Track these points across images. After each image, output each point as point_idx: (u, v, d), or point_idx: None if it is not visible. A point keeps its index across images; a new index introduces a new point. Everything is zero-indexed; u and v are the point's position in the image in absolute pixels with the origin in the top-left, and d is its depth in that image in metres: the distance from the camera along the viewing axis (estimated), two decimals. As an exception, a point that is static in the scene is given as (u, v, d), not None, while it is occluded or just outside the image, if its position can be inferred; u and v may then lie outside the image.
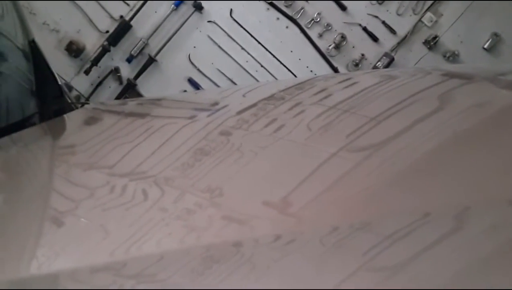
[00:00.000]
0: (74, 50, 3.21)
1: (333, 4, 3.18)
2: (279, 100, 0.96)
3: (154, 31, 3.25)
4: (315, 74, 3.18)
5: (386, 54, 3.24)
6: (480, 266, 0.53)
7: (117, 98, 3.32)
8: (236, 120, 0.91)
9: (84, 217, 0.75)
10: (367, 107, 0.87)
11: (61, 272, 0.65)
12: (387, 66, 3.22)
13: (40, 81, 1.18)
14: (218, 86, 3.32)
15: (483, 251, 0.55)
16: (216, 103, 1.03)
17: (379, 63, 3.23)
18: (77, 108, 1.24)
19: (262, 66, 3.25)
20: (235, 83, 3.27)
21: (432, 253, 0.55)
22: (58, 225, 0.76)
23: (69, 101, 1.25)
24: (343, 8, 3.18)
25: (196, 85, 3.30)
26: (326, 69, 3.24)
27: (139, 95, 3.29)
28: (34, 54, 1.21)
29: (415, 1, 3.20)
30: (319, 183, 0.72)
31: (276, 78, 3.26)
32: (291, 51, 3.26)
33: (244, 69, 3.27)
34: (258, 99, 0.99)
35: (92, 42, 3.27)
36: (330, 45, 3.25)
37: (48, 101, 1.21)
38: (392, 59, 3.23)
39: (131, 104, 1.25)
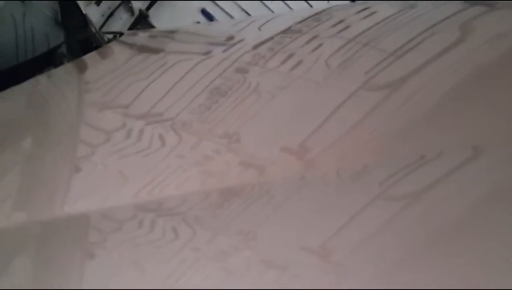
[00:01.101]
0: (83, -20, 3.12)
1: None
2: (296, 33, 0.93)
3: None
4: (331, 2, 3.07)
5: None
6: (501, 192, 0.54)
7: (129, 29, 3.27)
8: (252, 55, 0.89)
9: (101, 164, 0.76)
10: (386, 40, 0.84)
11: (89, 211, 0.67)
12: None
13: (65, 10, 1.17)
14: (232, 17, 3.23)
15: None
16: (231, 37, 1.01)
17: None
18: (103, 39, 1.21)
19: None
20: (249, 14, 3.18)
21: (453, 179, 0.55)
22: (76, 171, 0.76)
23: (94, 31, 1.24)
24: None
25: (209, 16, 3.22)
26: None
27: (151, 26, 3.23)
28: None
29: None
30: (337, 126, 0.70)
31: (291, 9, 3.16)
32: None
33: (262, 2, 3.17)
34: (274, 32, 0.96)
35: (101, -28, 3.17)
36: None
37: (73, 31, 1.20)
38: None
39: (143, 36, 1.22)
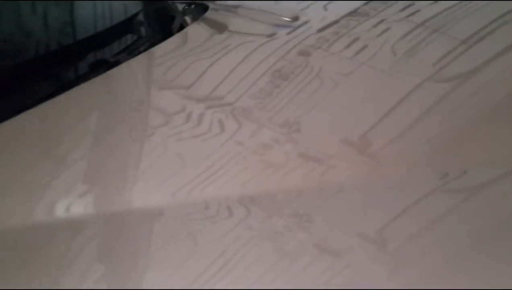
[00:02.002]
0: None
1: None
2: (363, 16, 0.91)
3: None
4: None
5: None
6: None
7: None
8: (316, 38, 0.87)
9: (160, 145, 0.77)
10: (457, 26, 0.81)
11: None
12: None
13: None
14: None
15: None
16: (296, 18, 0.99)
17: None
18: (177, 9, 1.23)
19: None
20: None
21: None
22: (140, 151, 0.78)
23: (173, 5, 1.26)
24: None
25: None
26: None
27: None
28: None
29: None
30: (401, 120, 0.69)
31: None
32: None
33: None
34: (341, 14, 0.94)
35: None
36: None
37: (153, 3, 1.23)
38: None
39: (209, 13, 1.22)
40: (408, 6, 0.89)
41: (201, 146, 0.74)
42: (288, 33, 0.93)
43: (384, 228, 0.55)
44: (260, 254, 0.57)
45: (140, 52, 0.99)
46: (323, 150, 0.67)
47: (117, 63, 0.95)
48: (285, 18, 0.99)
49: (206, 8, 1.20)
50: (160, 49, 1.01)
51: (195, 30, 1.07)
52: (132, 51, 1.02)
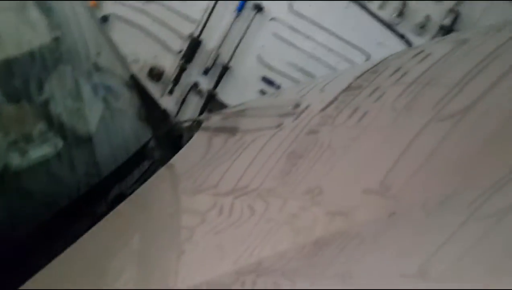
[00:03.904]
0: (155, 74, 3.39)
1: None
2: (357, 89, 0.98)
3: (223, 41, 3.35)
4: (385, 49, 3.10)
5: (451, 10, 3.10)
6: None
7: (201, 110, 3.46)
8: (320, 117, 0.94)
9: (200, 242, 0.82)
10: (446, 75, 0.87)
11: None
12: (453, 22, 3.08)
13: (147, 109, 1.28)
14: (291, 77, 3.35)
15: None
16: (297, 105, 1.07)
17: (445, 20, 3.10)
18: (184, 128, 1.31)
19: (330, 49, 3.24)
20: (307, 72, 3.29)
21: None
22: (181, 253, 0.82)
23: (175, 122, 1.35)
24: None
25: (270, 82, 3.36)
26: (393, 39, 3.16)
27: (221, 103, 3.41)
28: (137, 85, 1.32)
29: None
30: (414, 159, 0.73)
31: (346, 58, 3.24)
32: (355, 29, 3.21)
33: (314, 57, 3.28)
34: (337, 92, 1.01)
35: (169, 64, 3.42)
36: (393, 14, 3.17)
37: (158, 125, 1.31)
38: (458, 14, 3.09)
39: (217, 119, 1.31)
40: (396, 70, 0.96)
41: (236, 232, 0.78)
42: (294, 120, 1.00)
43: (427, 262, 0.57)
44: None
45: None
46: (348, 203, 0.72)
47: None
48: (287, 107, 1.07)
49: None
50: (181, 161, 1.08)
51: (204, 141, 1.14)
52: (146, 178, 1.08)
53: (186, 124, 1.36)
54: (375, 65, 1.03)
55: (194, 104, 3.49)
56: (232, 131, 1.13)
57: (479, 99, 0.77)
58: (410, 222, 0.65)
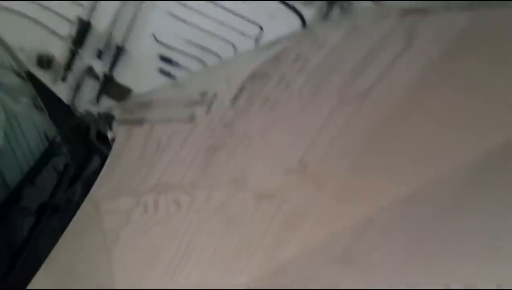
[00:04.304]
0: (45, 61, 3.22)
1: None
2: (263, 78, 1.04)
3: (114, 21, 3.25)
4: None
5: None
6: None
7: (98, 94, 3.35)
8: (234, 111, 0.99)
9: (129, 244, 0.84)
10: (343, 62, 0.96)
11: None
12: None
13: (49, 105, 1.24)
14: (188, 54, 3.34)
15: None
16: (205, 93, 1.11)
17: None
18: (90, 119, 1.29)
19: (224, 23, 3.27)
20: (204, 47, 3.30)
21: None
22: (111, 255, 0.84)
23: (79, 114, 1.31)
24: None
25: (169, 60, 3.33)
26: (285, 11, 3.27)
27: (119, 85, 3.33)
28: (33, 81, 1.26)
29: None
30: (325, 138, 0.82)
31: (241, 32, 3.28)
32: (247, 3, 3.27)
33: (209, 32, 3.29)
34: (242, 79, 1.06)
35: (58, 50, 3.26)
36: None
37: (63, 120, 1.28)
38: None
39: (121, 112, 1.30)
40: (297, 57, 1.03)
41: (165, 229, 0.82)
42: (207, 114, 1.03)
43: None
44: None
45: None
46: (272, 185, 0.79)
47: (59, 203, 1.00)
48: (194, 96, 1.10)
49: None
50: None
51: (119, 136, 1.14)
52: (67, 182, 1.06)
53: (92, 117, 1.34)
54: (276, 54, 1.08)
55: (90, 89, 3.38)
56: (139, 122, 1.14)
57: (377, 83, 0.86)
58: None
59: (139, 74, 3.32)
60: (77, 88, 3.34)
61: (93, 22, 3.27)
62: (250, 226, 0.76)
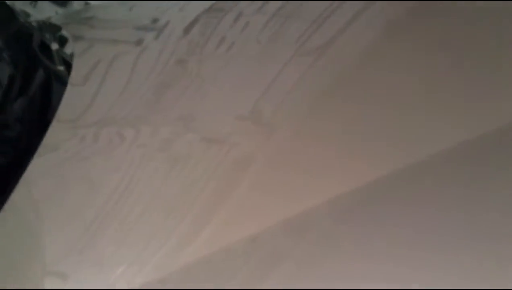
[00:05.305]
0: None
1: None
2: (219, 12, 0.99)
3: None
4: None
5: None
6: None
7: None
8: (187, 43, 0.94)
9: (57, 173, 0.80)
10: (306, 10, 0.93)
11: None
12: None
13: None
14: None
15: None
16: (156, 20, 1.04)
17: None
18: (32, 27, 1.18)
19: None
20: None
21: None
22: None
23: (22, 20, 1.19)
24: None
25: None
26: None
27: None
28: None
29: None
30: (280, 88, 0.80)
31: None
32: None
33: None
34: (197, 13, 1.01)
35: None
36: None
37: (3, 25, 1.15)
38: None
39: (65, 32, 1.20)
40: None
41: (105, 160, 0.79)
42: (156, 39, 0.97)
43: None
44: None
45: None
46: (222, 130, 0.76)
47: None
48: (144, 20, 1.03)
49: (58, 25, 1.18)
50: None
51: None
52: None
53: (35, 23, 1.23)
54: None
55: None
56: (76, 39, 1.06)
57: (336, 37, 0.85)
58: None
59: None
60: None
61: None
62: (196, 169, 0.74)
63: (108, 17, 1.15)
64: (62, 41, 1.10)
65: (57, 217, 0.77)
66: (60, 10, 1.29)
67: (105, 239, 0.70)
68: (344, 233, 0.60)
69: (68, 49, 1.07)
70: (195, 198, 0.71)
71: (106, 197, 0.75)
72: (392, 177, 0.62)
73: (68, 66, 0.99)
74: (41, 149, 0.85)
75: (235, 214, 0.67)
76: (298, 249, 0.61)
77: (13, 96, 0.96)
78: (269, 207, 0.66)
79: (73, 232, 0.72)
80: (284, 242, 0.62)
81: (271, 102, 0.78)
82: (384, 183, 0.62)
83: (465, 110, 0.66)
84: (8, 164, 0.87)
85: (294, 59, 0.83)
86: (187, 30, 0.97)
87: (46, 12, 1.28)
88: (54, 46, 1.11)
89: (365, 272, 0.58)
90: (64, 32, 1.13)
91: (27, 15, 1.23)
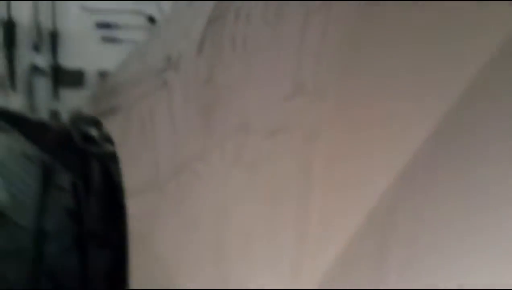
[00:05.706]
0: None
1: None
2: (218, 19, 0.99)
3: (36, 9, 3.07)
4: None
5: None
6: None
7: (54, 87, 3.23)
8: (205, 61, 0.95)
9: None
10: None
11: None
12: None
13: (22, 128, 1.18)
14: (121, 11, 3.19)
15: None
16: (169, 58, 1.06)
17: None
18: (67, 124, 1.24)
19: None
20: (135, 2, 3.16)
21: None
22: None
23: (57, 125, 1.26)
24: None
25: (107, 25, 3.19)
26: None
27: (69, 71, 3.20)
28: None
29: None
30: (311, 51, 0.78)
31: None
32: None
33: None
34: (199, 31, 1.01)
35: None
36: None
37: (41, 138, 1.22)
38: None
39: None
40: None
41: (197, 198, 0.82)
42: (176, 72, 0.99)
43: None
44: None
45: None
46: (279, 118, 0.77)
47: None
48: (161, 64, 1.05)
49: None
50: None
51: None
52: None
53: (67, 121, 1.30)
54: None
55: (43, 84, 3.25)
56: (112, 112, 1.10)
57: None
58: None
59: (83, 51, 3.19)
60: (30, 90, 3.21)
61: (15, 19, 3.09)
62: (272, 168, 0.74)
63: (128, 76, 1.18)
64: (97, 123, 1.14)
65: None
66: (81, 92, 1.35)
67: None
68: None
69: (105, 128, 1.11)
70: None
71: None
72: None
73: (111, 142, 1.02)
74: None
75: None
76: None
77: (83, 200, 1.02)
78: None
79: None
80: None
81: (308, 70, 0.77)
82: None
83: None
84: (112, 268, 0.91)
85: (309, 20, 0.81)
86: (199, 49, 0.98)
87: (68, 100, 1.35)
88: (93, 132, 1.14)
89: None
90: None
91: (55, 113, 1.30)
